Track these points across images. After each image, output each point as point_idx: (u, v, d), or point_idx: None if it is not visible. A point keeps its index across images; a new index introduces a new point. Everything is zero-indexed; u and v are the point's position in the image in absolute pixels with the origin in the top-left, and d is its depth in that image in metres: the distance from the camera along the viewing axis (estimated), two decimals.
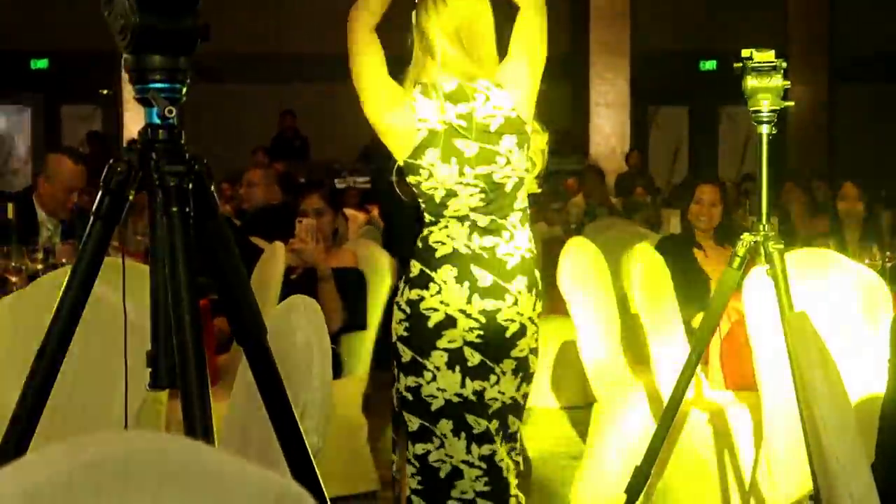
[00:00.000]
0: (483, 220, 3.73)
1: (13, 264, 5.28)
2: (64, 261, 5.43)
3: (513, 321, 3.73)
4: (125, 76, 2.13)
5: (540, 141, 3.88)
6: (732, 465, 5.19)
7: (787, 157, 17.11)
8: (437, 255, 3.71)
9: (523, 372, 3.79)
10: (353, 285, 5.73)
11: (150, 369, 2.02)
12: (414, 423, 3.72)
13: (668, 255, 5.99)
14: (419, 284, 3.71)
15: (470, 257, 3.70)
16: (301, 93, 17.23)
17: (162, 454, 1.20)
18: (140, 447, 1.21)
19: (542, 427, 7.52)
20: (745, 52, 4.32)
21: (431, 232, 3.74)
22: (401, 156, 3.73)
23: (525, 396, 3.83)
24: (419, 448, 3.72)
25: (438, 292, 3.68)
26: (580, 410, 7.65)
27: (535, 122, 3.87)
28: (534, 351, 3.80)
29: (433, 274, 3.69)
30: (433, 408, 3.69)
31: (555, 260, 6.41)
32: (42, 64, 17.62)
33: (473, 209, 3.73)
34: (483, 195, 3.72)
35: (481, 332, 3.69)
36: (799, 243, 7.25)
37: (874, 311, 4.68)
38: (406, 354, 3.72)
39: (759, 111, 4.30)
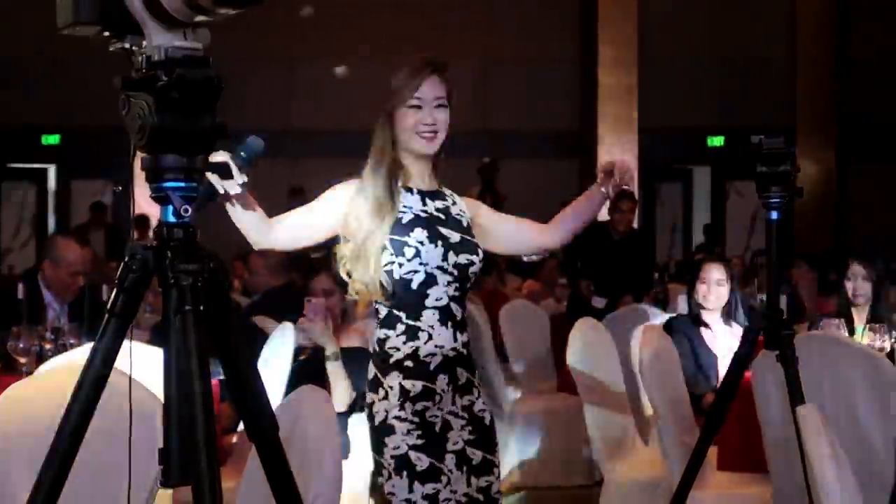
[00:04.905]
0: (459, 314, 3.76)
1: (22, 345, 5.30)
2: (72, 341, 5.44)
3: None
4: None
5: None
6: None
7: (797, 235, 17.10)
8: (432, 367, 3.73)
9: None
10: (361, 365, 5.72)
11: (161, 466, 2.02)
12: None
13: (676, 335, 6.00)
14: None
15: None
16: (310, 169, 17.28)
17: None
18: None
19: None
20: (754, 139, 4.34)
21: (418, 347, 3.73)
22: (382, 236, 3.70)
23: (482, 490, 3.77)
24: None
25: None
26: (587, 489, 7.63)
27: None
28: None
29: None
30: None
31: (563, 337, 6.43)
32: (53, 139, 17.70)
33: (452, 298, 3.74)
34: (458, 284, 3.74)
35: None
36: (808, 322, 7.24)
37: (883, 396, 4.66)
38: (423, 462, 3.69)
39: (769, 197, 4.33)
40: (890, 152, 17.86)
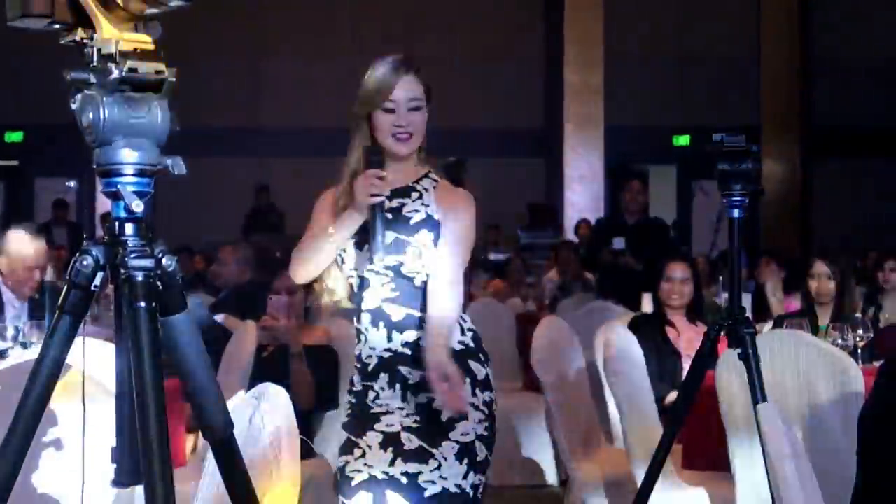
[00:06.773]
0: (397, 314, 3.70)
1: None
2: (34, 339, 5.38)
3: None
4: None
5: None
6: None
7: (762, 233, 17.16)
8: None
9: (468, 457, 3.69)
10: (325, 363, 5.70)
11: (114, 465, 1.99)
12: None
13: (640, 334, 5.99)
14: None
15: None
16: (276, 167, 17.24)
17: None
18: None
19: None
20: (715, 136, 4.33)
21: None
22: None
23: (475, 487, 3.70)
24: None
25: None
26: (553, 489, 7.62)
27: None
28: (482, 438, 3.69)
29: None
30: (354, 482, 3.69)
31: (528, 336, 6.41)
32: (17, 136, 17.59)
33: (386, 300, 3.70)
34: (394, 285, 3.69)
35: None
36: (772, 320, 7.25)
37: (846, 394, 4.67)
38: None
39: (730, 195, 4.32)
40: (854, 150, 17.95)
